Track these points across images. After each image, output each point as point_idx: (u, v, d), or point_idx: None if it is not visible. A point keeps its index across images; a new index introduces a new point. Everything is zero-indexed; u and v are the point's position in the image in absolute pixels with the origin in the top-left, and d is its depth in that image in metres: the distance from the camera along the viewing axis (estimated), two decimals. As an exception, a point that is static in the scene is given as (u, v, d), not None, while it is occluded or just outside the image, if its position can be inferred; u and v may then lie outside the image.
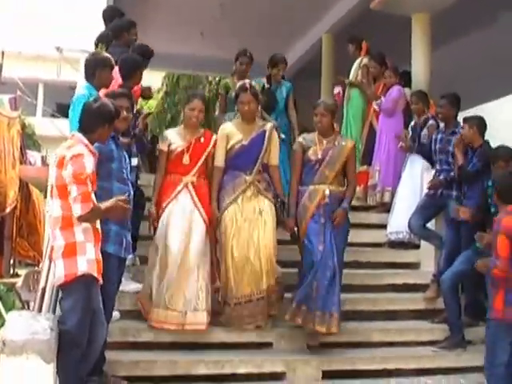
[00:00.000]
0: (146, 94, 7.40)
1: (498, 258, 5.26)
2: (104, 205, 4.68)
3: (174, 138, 6.33)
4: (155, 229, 6.20)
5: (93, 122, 4.82)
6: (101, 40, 7.41)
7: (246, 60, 8.15)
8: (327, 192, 6.22)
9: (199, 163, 6.26)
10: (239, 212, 6.16)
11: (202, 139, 6.35)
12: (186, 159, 6.21)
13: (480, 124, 6.83)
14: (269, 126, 6.46)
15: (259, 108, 6.55)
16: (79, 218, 4.57)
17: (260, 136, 6.34)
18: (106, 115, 4.86)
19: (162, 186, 6.27)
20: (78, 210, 4.54)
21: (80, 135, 4.78)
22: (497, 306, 5.25)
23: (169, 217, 6.10)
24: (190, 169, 6.23)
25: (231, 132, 6.37)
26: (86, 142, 4.75)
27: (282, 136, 7.73)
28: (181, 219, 6.07)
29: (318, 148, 6.35)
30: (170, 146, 6.27)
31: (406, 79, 8.96)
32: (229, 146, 6.34)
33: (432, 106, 8.21)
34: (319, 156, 6.30)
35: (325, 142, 6.38)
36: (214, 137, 6.41)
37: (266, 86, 8.18)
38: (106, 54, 6.03)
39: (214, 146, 6.35)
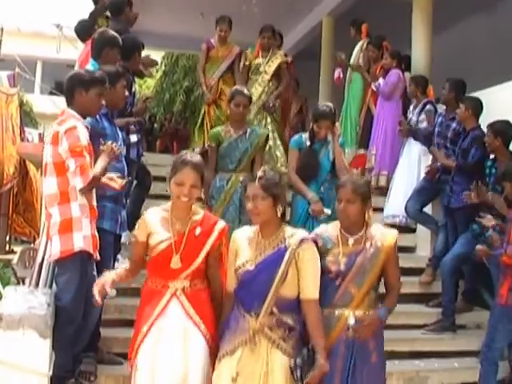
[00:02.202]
0: (147, 62, 7.29)
1: (510, 244, 5.29)
2: (100, 164, 4.61)
3: (156, 226, 4.09)
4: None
5: (67, 89, 4.79)
6: (81, 28, 7.31)
7: (244, 100, 6.23)
8: (351, 321, 4.05)
9: (194, 265, 4.02)
10: (230, 375, 3.85)
11: (199, 230, 4.05)
12: (175, 262, 3.99)
13: (476, 106, 6.83)
14: (294, 240, 3.88)
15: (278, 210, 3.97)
16: (81, 189, 4.54)
17: (275, 256, 3.88)
18: (76, 80, 4.79)
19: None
20: (79, 182, 4.51)
21: (70, 110, 4.74)
22: (502, 292, 5.32)
23: (154, 346, 3.96)
24: (181, 272, 4.02)
25: (241, 247, 4.03)
26: (78, 115, 4.71)
27: (328, 211, 5.70)
28: (173, 346, 3.94)
29: (340, 252, 4.12)
30: (149, 235, 4.09)
31: (406, 63, 8.95)
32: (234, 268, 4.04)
33: (430, 91, 8.21)
34: (341, 266, 4.08)
35: (351, 241, 4.17)
36: (220, 224, 4.13)
37: (307, 144, 6.04)
38: (114, 33, 5.93)
39: (220, 237, 4.08)
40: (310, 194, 5.88)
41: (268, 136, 6.39)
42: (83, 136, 4.59)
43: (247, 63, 8.90)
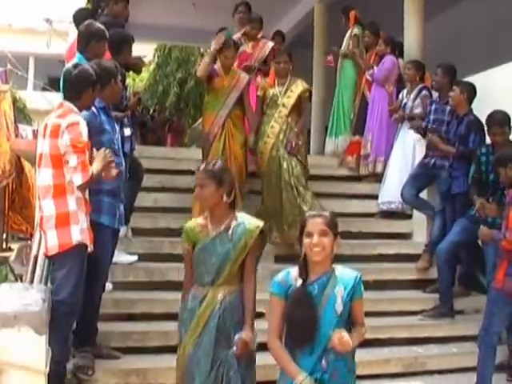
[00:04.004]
0: (137, 64, 7.25)
1: (508, 229, 5.24)
2: (95, 168, 4.58)
3: None
4: None
5: (76, 89, 4.76)
6: (79, 16, 7.25)
7: (202, 179, 4.19)
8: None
9: None
10: None
11: None
12: None
13: (471, 91, 6.82)
14: None
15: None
16: (79, 186, 4.54)
17: None
18: (87, 79, 4.79)
19: None
20: (78, 179, 4.50)
21: (69, 103, 4.72)
22: (498, 277, 5.33)
23: None
24: None
25: None
26: (76, 110, 4.70)
27: None
28: None
29: None
30: None
31: (400, 49, 8.92)
32: None
33: (427, 78, 8.18)
34: None
35: None
36: None
37: (297, 283, 3.65)
38: (100, 26, 5.88)
39: None
40: (298, 375, 3.51)
41: (262, 231, 4.24)
42: (85, 132, 4.60)
43: (260, 93, 7.45)
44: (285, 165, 7.08)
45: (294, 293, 3.63)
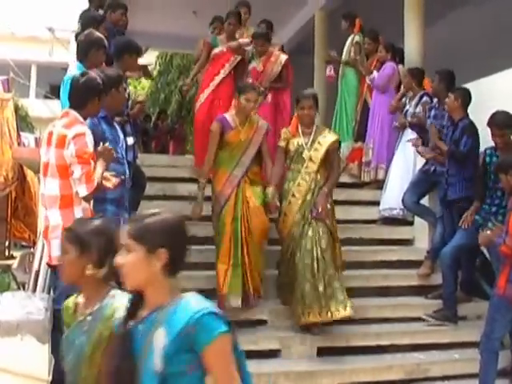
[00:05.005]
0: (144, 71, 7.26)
1: (509, 235, 5.25)
2: (97, 173, 4.57)
3: None
4: None
5: (82, 97, 4.77)
6: (85, 21, 7.27)
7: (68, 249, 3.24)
8: None
9: None
10: None
11: None
12: None
13: (465, 96, 6.83)
14: None
15: None
16: (84, 197, 4.55)
17: None
18: (94, 89, 4.80)
19: None
20: (83, 190, 4.51)
21: (75, 112, 4.72)
22: (500, 283, 5.34)
23: None
24: None
25: None
26: (82, 119, 4.71)
27: None
28: None
29: None
30: None
31: (400, 56, 8.94)
32: None
33: (427, 84, 8.20)
34: None
35: None
36: None
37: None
38: (99, 35, 5.91)
39: None
40: None
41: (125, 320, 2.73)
42: (90, 143, 4.62)
43: (283, 144, 6.40)
44: (310, 232, 6.07)
45: (114, 336, 2.61)
